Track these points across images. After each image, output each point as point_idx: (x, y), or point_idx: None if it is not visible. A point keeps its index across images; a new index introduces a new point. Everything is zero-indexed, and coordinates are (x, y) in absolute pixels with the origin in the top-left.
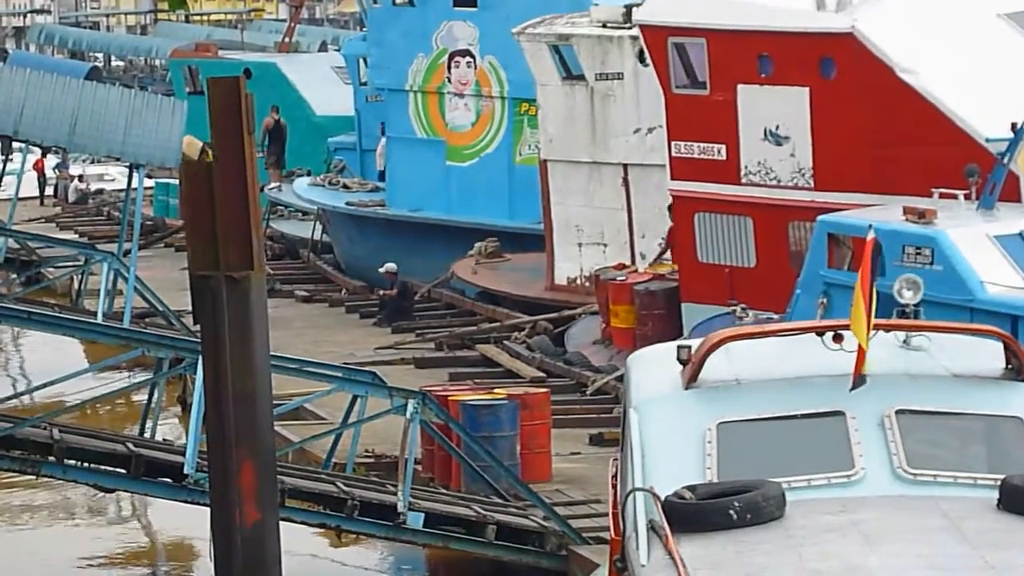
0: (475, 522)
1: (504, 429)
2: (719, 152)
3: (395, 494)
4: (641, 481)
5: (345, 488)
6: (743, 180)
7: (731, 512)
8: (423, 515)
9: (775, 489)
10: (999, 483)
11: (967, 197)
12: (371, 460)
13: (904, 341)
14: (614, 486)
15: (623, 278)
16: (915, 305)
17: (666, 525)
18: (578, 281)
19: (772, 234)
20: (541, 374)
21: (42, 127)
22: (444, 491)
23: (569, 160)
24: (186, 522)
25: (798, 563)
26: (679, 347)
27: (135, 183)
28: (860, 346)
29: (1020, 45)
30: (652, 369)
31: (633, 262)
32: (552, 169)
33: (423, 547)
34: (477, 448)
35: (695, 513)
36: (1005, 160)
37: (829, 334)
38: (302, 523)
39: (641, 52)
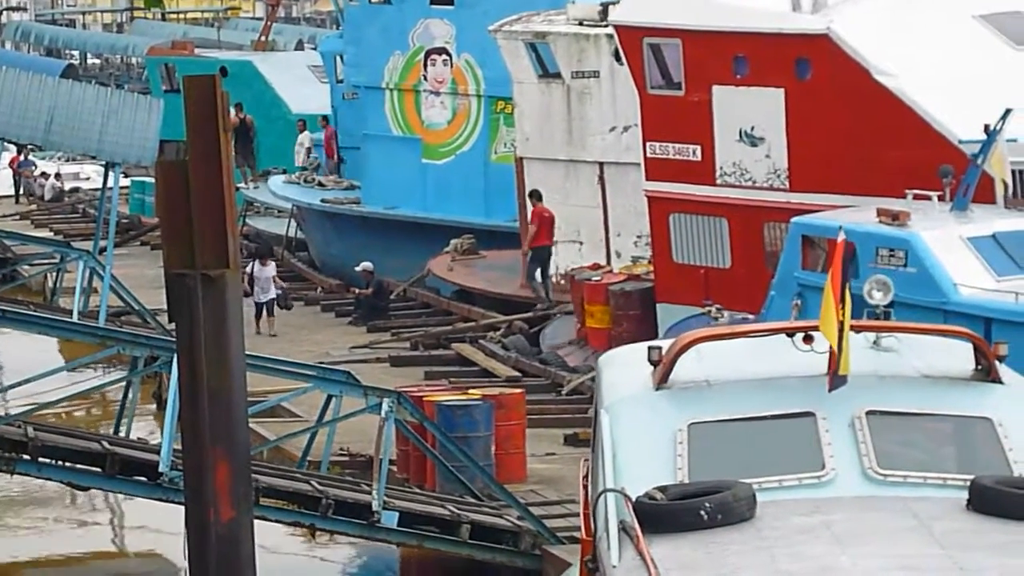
0: (449, 521)
1: (479, 429)
2: (694, 153)
3: (370, 493)
4: (612, 482)
5: (320, 487)
6: (718, 181)
7: (702, 513)
8: (397, 514)
9: (746, 490)
10: (968, 484)
11: (941, 198)
12: (346, 459)
13: (874, 342)
14: (585, 486)
15: (598, 278)
16: (885, 306)
17: (637, 526)
18: (554, 279)
19: (747, 235)
20: (516, 373)
21: (18, 124)
22: (419, 491)
23: (545, 158)
24: (161, 520)
25: (769, 564)
26: (650, 348)
27: (111, 181)
28: (831, 347)
29: (995, 47)
30: (623, 370)
31: (608, 260)
32: (528, 167)
33: (397, 546)
34: (452, 448)
35: (666, 514)
36: (979, 161)
37: (799, 335)
38: (277, 521)
39: (617, 50)
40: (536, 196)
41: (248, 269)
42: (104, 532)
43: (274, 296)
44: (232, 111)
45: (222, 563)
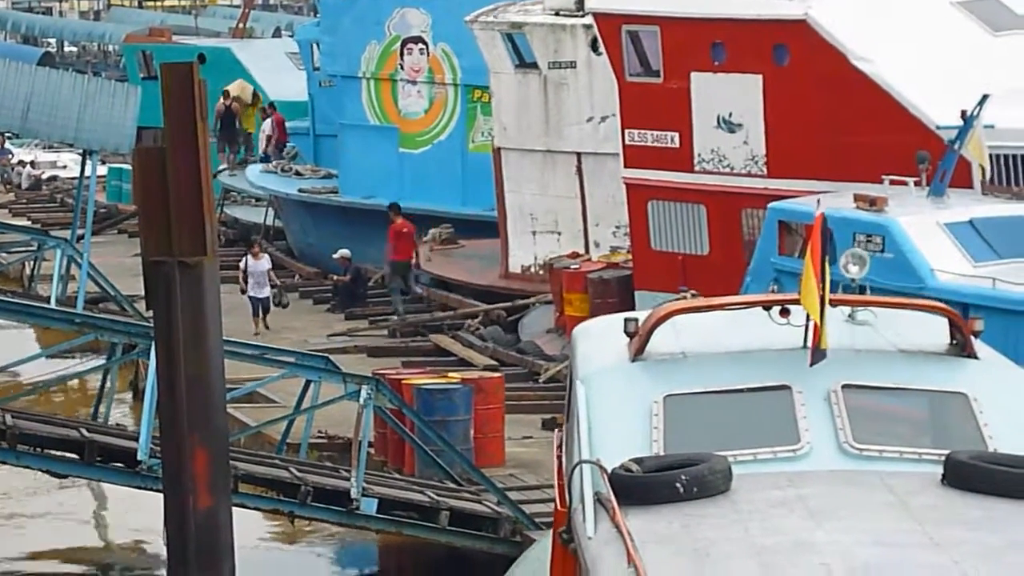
0: (428, 508)
1: (458, 413)
2: (672, 140)
3: (348, 479)
4: (588, 453)
5: (298, 474)
6: (696, 168)
7: (678, 485)
8: (376, 501)
9: (722, 463)
10: (944, 459)
11: (917, 184)
12: (324, 441)
13: (850, 316)
14: (559, 457)
15: (577, 266)
16: (861, 280)
17: (613, 498)
18: (532, 269)
19: (725, 221)
20: (494, 363)
21: None
22: (397, 476)
23: (523, 148)
24: (140, 507)
25: (745, 538)
26: (626, 319)
27: (88, 169)
28: (812, 320)
29: (972, 33)
30: (599, 341)
31: (587, 250)
32: (506, 157)
33: (376, 533)
34: (430, 433)
35: (642, 486)
36: (956, 147)
37: (776, 308)
38: (255, 509)
39: (594, 40)
40: (395, 209)
41: (242, 264)
42: (82, 521)
43: (269, 294)
44: (220, 99)
45: (201, 550)
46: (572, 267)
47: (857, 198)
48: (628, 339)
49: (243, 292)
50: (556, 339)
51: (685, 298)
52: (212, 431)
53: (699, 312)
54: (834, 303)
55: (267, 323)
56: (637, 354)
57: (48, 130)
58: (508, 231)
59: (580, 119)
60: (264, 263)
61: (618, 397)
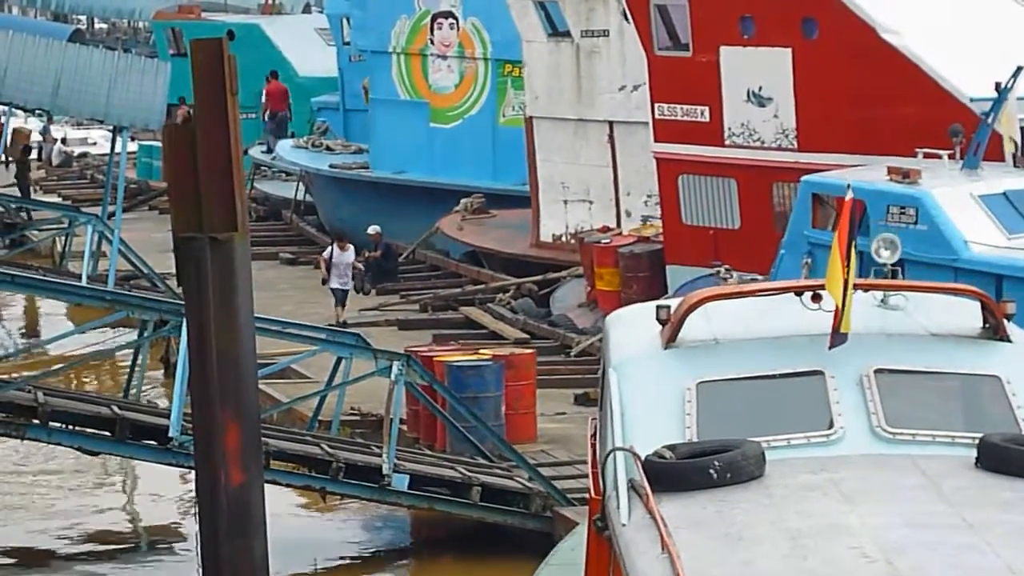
0: (460, 483)
1: (489, 389)
2: (702, 114)
3: (380, 456)
4: (621, 440)
5: (330, 450)
6: (727, 142)
7: (711, 471)
8: (408, 477)
9: (755, 448)
10: (977, 442)
11: (951, 157)
12: (357, 418)
13: (882, 300)
14: (593, 445)
15: (608, 241)
16: (893, 265)
17: (646, 484)
18: (563, 238)
19: (756, 195)
20: (525, 336)
21: (25, 89)
22: (429, 452)
23: (555, 117)
24: (171, 484)
25: (778, 522)
26: (658, 307)
27: (119, 146)
28: (836, 305)
29: (1002, 4)
30: (631, 329)
31: (618, 219)
32: (538, 126)
33: (408, 509)
34: (462, 409)
35: (675, 472)
36: (989, 120)
37: (808, 294)
38: (287, 485)
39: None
40: None
41: (326, 254)
42: (114, 497)
43: (351, 286)
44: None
45: (233, 527)
46: (603, 241)
47: (891, 170)
48: (660, 326)
49: (324, 282)
50: (588, 312)
51: (719, 272)
52: (244, 407)
53: (731, 299)
54: (865, 288)
55: (341, 315)
56: (669, 341)
57: (79, 107)
58: (539, 200)
59: (612, 88)
60: (350, 255)
61: (651, 384)
